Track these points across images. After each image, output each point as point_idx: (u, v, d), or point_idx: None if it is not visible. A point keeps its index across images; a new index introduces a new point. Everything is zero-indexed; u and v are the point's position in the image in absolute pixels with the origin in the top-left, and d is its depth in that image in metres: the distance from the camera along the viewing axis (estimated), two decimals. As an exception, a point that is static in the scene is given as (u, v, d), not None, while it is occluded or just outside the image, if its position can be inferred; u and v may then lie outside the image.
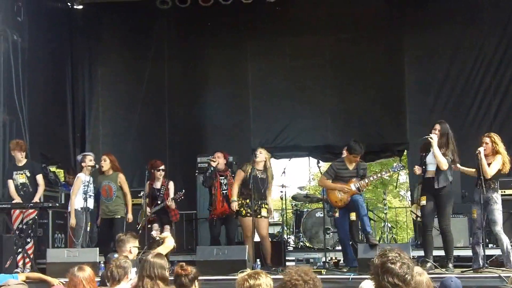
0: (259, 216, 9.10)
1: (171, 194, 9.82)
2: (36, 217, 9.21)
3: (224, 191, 9.69)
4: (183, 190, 9.86)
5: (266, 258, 9.09)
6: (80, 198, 9.32)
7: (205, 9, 12.36)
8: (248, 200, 9.11)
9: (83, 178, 9.43)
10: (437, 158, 8.07)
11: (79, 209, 9.26)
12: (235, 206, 9.23)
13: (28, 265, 8.84)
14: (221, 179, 9.81)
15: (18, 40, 10.69)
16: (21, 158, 9.50)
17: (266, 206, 9.25)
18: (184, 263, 4.78)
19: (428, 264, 7.95)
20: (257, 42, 13.58)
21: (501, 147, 8.31)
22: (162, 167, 9.95)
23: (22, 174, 9.49)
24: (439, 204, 8.20)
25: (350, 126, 13.04)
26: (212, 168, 9.72)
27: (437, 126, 8.25)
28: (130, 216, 9.61)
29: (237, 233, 10.29)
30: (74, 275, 5.17)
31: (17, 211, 9.19)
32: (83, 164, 9.62)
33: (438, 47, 12.81)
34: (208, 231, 10.17)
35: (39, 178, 9.54)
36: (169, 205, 9.71)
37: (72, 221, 9.29)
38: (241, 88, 13.55)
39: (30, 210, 9.18)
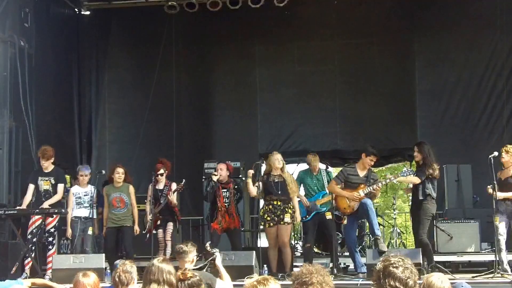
0: (281, 222, 8.75)
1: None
2: (43, 222, 9.14)
3: (226, 204, 9.38)
4: (184, 180, 9.78)
5: (285, 266, 8.75)
6: (75, 209, 9.48)
7: (213, 14, 12.29)
8: (271, 206, 8.82)
9: (74, 190, 9.63)
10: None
11: (74, 218, 9.42)
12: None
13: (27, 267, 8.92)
14: (223, 191, 9.45)
15: (25, 46, 10.70)
16: (46, 165, 9.43)
17: (290, 210, 8.84)
18: (188, 269, 4.73)
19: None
20: (265, 47, 13.53)
21: None
22: (160, 171, 9.79)
23: (47, 180, 9.43)
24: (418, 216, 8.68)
25: (360, 131, 12.97)
26: (213, 183, 9.38)
27: (415, 148, 8.92)
28: (137, 228, 9.63)
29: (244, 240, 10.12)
30: (79, 281, 5.15)
31: (37, 216, 9.12)
32: (77, 176, 9.81)
33: (450, 52, 12.74)
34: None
35: (60, 187, 9.46)
36: (170, 199, 9.60)
37: (69, 230, 9.43)
38: (249, 93, 13.50)
39: (51, 218, 9.22)
